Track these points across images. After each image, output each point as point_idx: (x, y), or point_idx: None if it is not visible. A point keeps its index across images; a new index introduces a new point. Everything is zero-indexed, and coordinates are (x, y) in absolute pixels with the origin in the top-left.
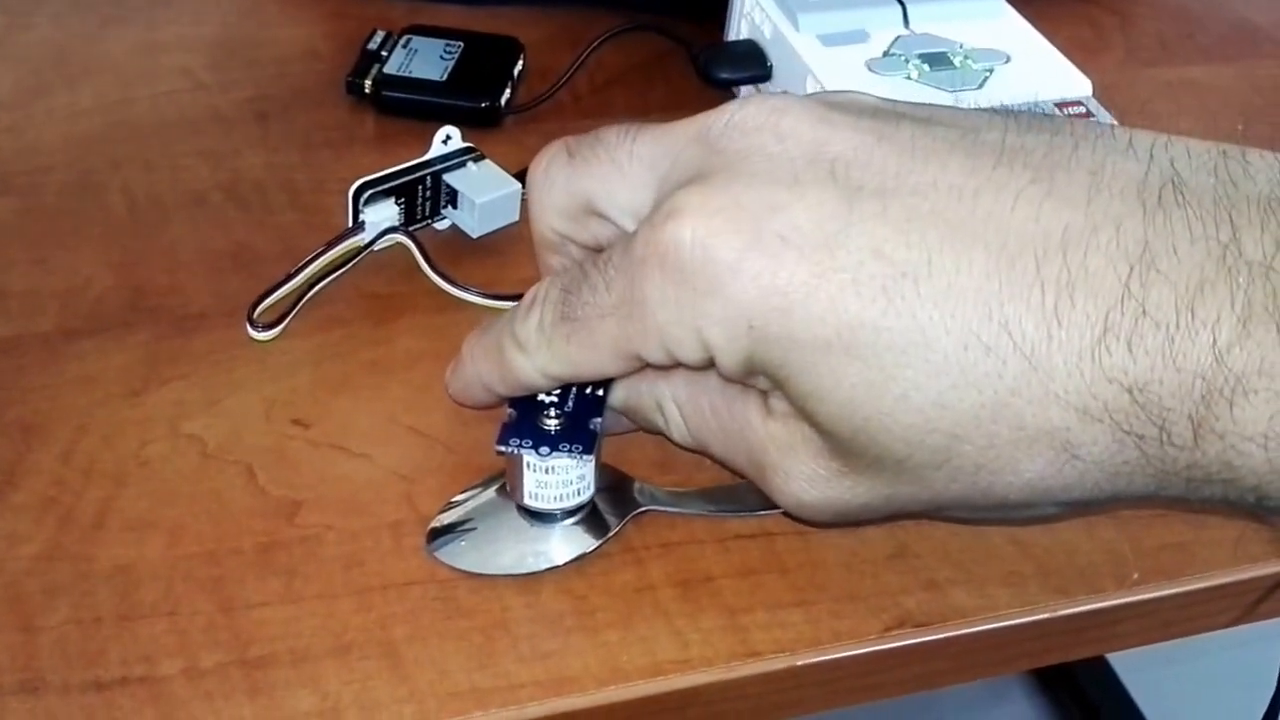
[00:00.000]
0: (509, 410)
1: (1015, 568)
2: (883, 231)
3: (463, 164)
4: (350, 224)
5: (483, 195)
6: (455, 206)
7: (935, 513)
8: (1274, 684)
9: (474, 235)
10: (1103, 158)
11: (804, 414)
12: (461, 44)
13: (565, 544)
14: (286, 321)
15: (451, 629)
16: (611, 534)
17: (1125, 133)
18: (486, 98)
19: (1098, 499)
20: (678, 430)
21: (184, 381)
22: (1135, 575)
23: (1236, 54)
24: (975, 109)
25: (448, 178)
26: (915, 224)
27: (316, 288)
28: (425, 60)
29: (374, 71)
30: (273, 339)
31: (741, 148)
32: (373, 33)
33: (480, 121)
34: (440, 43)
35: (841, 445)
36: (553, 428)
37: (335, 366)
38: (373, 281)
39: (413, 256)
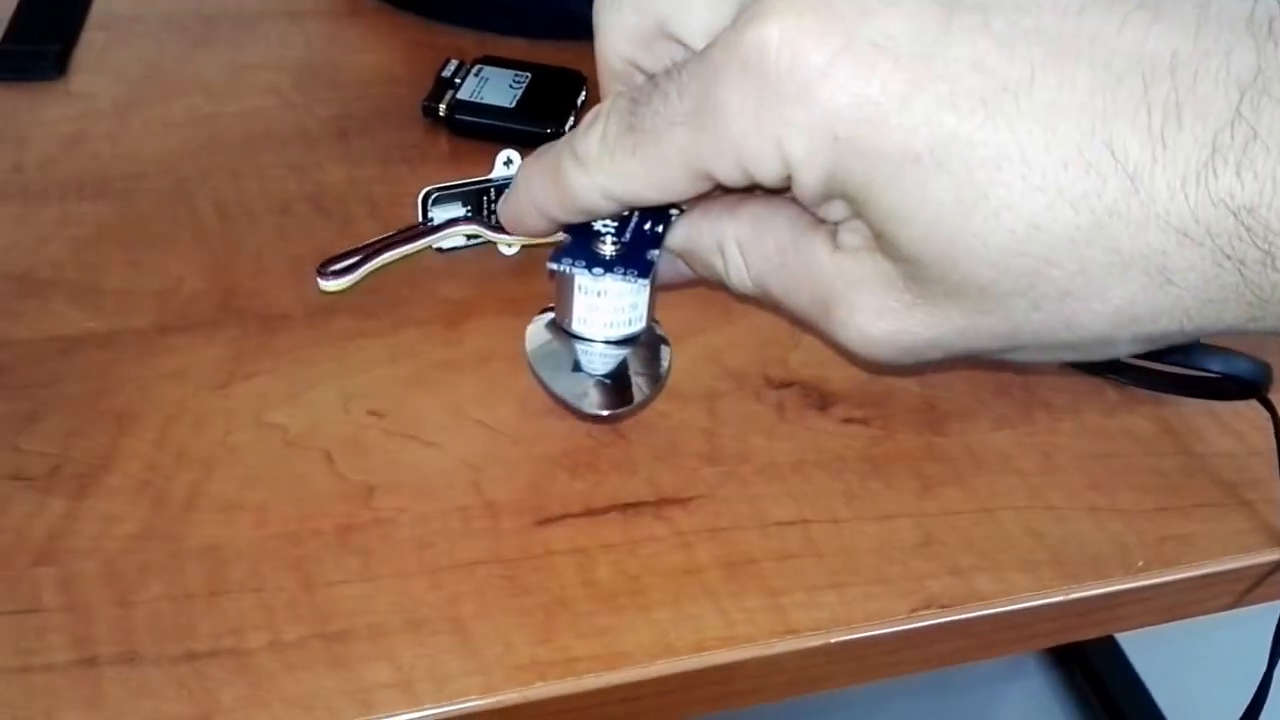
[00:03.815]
0: (564, 235)
1: (1032, 556)
2: (984, 44)
3: None
4: (420, 220)
5: None
6: None
7: (1007, 352)
8: (1265, 660)
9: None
10: None
11: (884, 237)
12: (529, 75)
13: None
14: (356, 275)
15: (515, 606)
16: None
17: None
18: (551, 124)
19: (1184, 330)
20: (736, 273)
21: (268, 376)
22: (1140, 563)
23: None
24: None
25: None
26: (1018, 39)
27: (385, 256)
28: (495, 88)
29: (448, 97)
30: (342, 289)
31: None
32: (447, 61)
33: None
34: (510, 73)
35: (921, 272)
36: (608, 254)
37: (408, 363)
38: (445, 288)
39: (483, 266)
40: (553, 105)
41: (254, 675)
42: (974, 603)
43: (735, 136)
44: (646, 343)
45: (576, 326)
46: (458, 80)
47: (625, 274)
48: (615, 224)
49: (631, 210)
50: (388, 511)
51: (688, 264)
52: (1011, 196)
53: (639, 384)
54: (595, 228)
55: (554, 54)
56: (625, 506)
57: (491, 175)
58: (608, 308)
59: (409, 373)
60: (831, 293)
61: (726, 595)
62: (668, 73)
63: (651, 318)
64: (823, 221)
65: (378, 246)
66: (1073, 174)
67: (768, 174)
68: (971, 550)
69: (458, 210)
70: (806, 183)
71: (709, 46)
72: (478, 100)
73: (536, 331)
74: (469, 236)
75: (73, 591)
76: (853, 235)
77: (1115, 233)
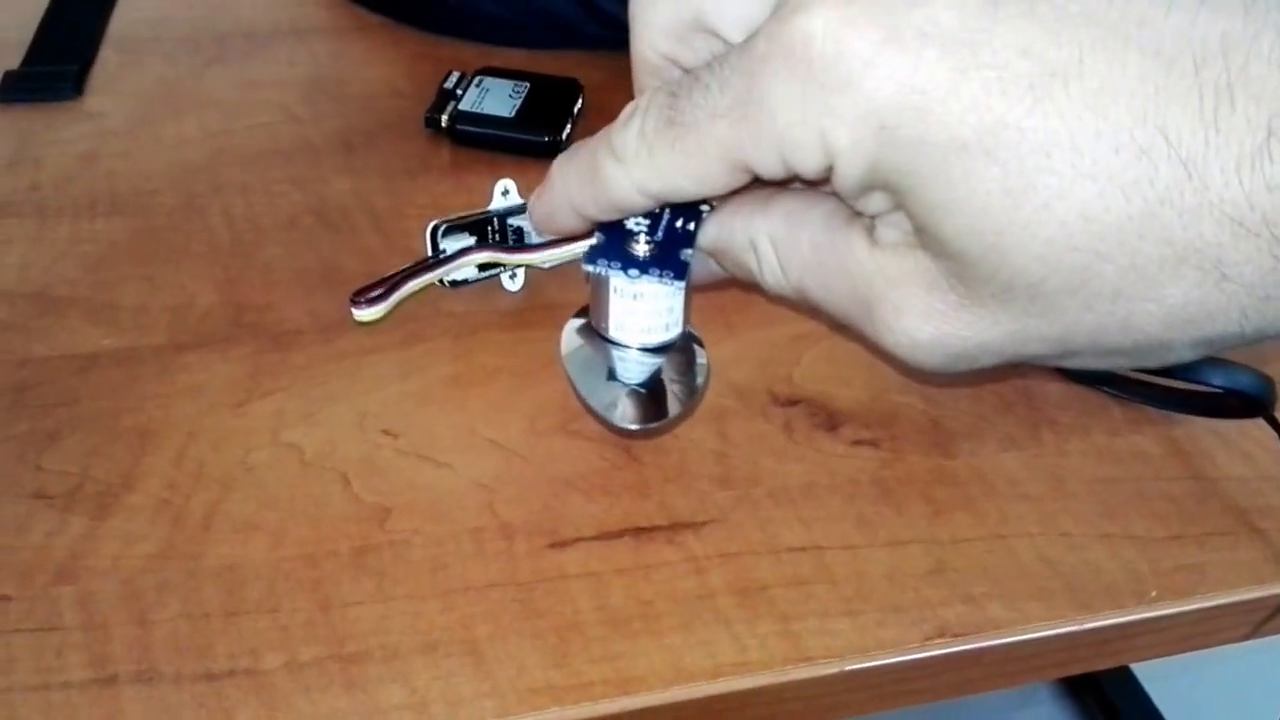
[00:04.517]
0: (597, 235)
1: (1045, 584)
2: (1031, 30)
3: (522, 209)
4: (430, 252)
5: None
6: (522, 241)
7: (1062, 357)
8: None
9: (545, 267)
10: None
11: (927, 231)
12: (528, 84)
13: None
14: (388, 304)
15: (529, 629)
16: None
17: None
18: (549, 133)
19: (1243, 333)
20: (771, 273)
21: (283, 393)
22: (1153, 593)
23: None
24: None
25: (511, 220)
26: (1065, 24)
27: (410, 284)
28: (496, 98)
29: (450, 108)
30: (376, 319)
31: None
32: (449, 74)
33: (544, 154)
34: (509, 83)
35: (968, 269)
36: (642, 254)
37: (419, 380)
38: (450, 302)
39: (486, 287)
40: (550, 114)
41: (270, 695)
42: (987, 631)
43: (779, 128)
44: (682, 347)
45: (614, 332)
46: (459, 91)
47: (661, 275)
48: (647, 222)
49: (662, 207)
50: (402, 533)
51: (719, 263)
52: (1062, 185)
53: (674, 392)
54: (628, 226)
55: (551, 64)
56: (638, 530)
57: (491, 206)
58: (644, 311)
59: (420, 389)
60: (872, 292)
61: (740, 621)
62: (708, 66)
63: (688, 321)
64: (859, 215)
65: (401, 277)
66: (1124, 160)
67: (809, 165)
68: (984, 578)
69: (466, 241)
70: (848, 174)
71: (752, 37)
72: (478, 110)
73: (570, 336)
74: (480, 268)
75: (92, 610)
76: (891, 230)
77: (1168, 222)
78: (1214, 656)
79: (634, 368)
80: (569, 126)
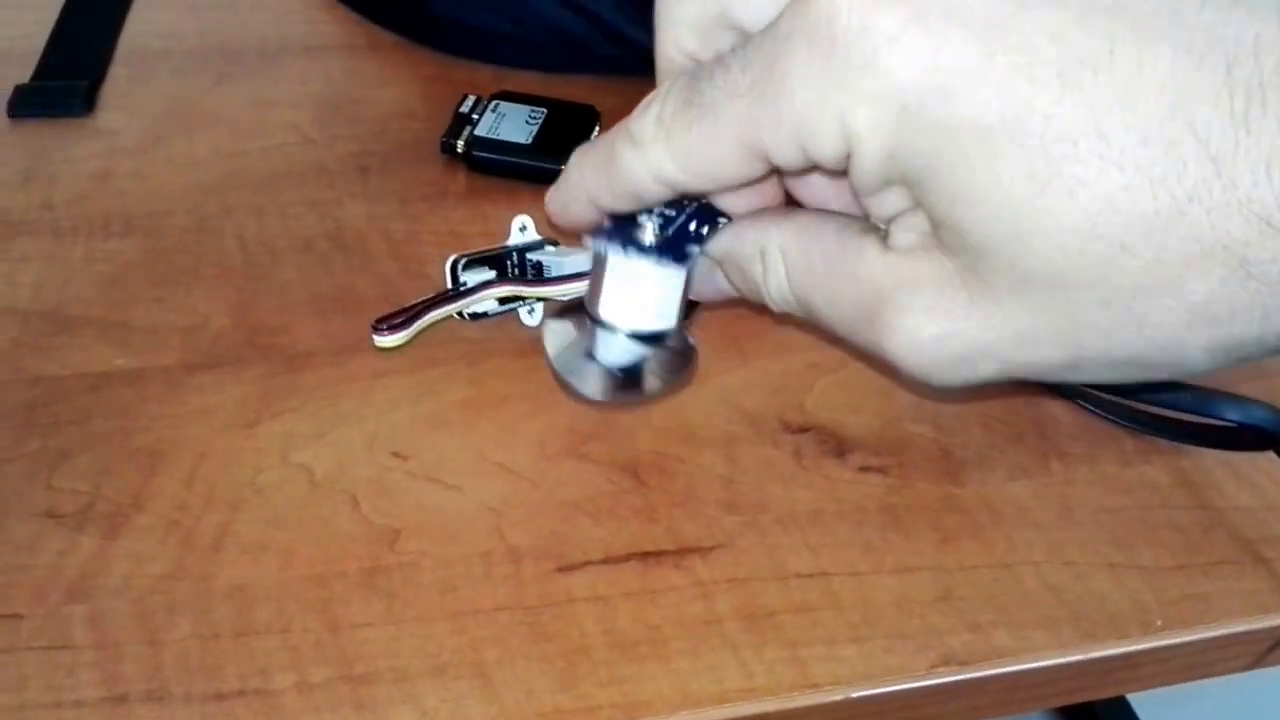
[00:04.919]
0: (608, 221)
1: (1051, 613)
2: (1062, 18)
3: (540, 245)
4: (449, 286)
5: (566, 267)
6: (541, 276)
7: (1068, 368)
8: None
9: (564, 301)
10: None
11: (946, 225)
12: (545, 110)
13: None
14: (409, 331)
15: (537, 653)
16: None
17: None
18: (566, 161)
19: (1262, 337)
20: (776, 283)
21: (294, 414)
22: (1159, 622)
23: None
24: None
25: (530, 255)
26: (1097, 14)
27: (433, 313)
28: (512, 124)
29: (466, 133)
30: (397, 345)
31: None
32: (465, 98)
33: None
34: (526, 108)
35: (985, 260)
36: (648, 241)
37: (430, 404)
38: (466, 328)
39: (502, 317)
40: (568, 141)
41: (280, 716)
42: (993, 660)
43: (797, 107)
44: (678, 350)
45: (602, 311)
46: (475, 116)
47: (659, 259)
48: (660, 219)
49: (680, 210)
50: (411, 555)
51: (727, 274)
52: (1087, 173)
53: (650, 384)
54: (640, 219)
55: (567, 89)
56: (645, 555)
57: (509, 242)
58: (636, 294)
59: (431, 413)
60: (879, 295)
61: (746, 647)
62: (732, 49)
63: (682, 324)
64: (875, 228)
65: (423, 307)
66: (1153, 153)
67: (826, 150)
68: (990, 605)
69: (486, 274)
70: (866, 164)
71: (778, 19)
72: (495, 137)
73: (557, 317)
74: (500, 301)
75: (103, 629)
76: (908, 233)
77: (1196, 219)
78: (1210, 685)
79: (617, 351)
80: None
